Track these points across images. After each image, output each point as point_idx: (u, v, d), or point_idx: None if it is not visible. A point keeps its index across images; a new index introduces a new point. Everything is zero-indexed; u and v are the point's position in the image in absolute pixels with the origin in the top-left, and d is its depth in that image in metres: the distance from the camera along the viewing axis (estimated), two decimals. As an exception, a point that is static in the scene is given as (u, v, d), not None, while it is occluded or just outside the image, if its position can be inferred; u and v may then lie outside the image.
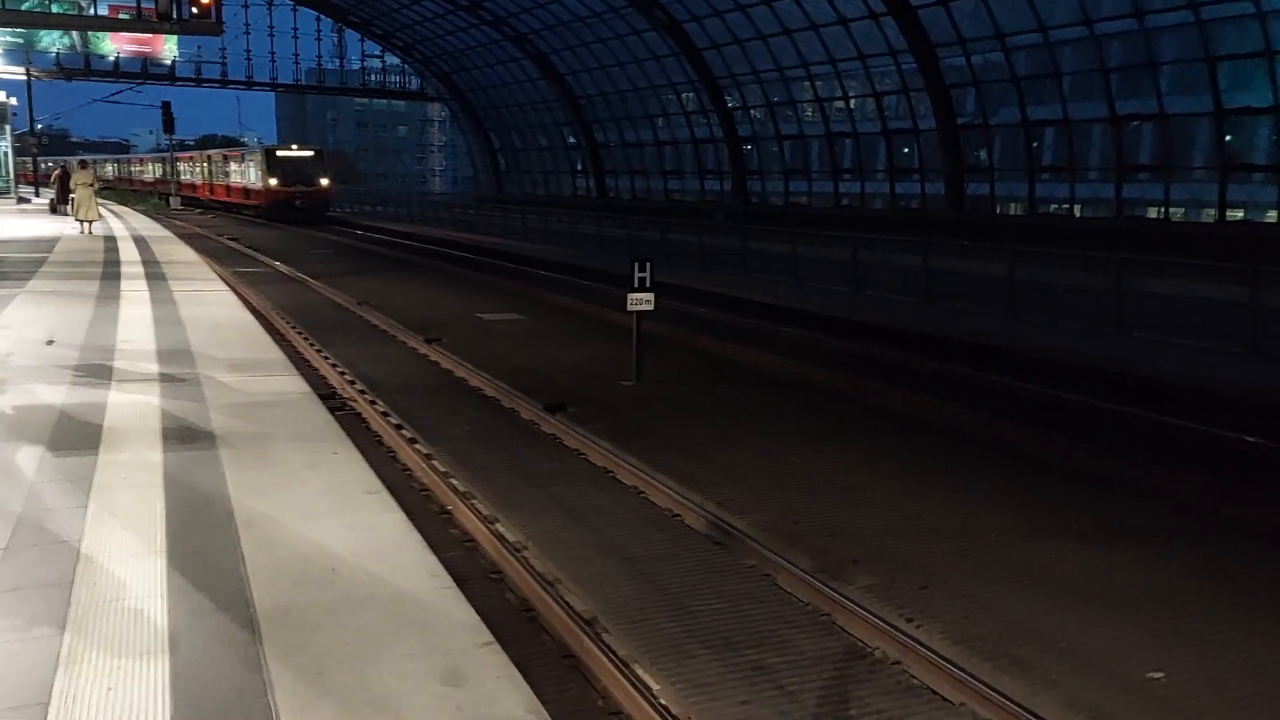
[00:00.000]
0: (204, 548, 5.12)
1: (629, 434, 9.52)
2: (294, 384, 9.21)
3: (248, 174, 48.59)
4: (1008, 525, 7.43)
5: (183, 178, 61.69)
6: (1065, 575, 6.48)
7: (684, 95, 38.56)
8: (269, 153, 47.08)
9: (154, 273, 18.35)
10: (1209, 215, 23.11)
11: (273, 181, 44.92)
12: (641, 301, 11.74)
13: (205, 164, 58.05)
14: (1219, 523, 7.53)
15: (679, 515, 7.60)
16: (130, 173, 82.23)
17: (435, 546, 5.45)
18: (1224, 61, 21.44)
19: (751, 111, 36.24)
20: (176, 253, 23.48)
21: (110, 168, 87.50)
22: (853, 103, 33.07)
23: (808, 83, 32.88)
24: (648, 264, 11.78)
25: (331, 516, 5.63)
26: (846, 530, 7.22)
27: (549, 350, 14.27)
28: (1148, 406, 10.62)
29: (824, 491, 8.15)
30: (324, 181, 46.38)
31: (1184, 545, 7.03)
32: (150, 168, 73.49)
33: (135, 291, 15.33)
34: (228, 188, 52.57)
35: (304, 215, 43.84)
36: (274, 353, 10.87)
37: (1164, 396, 11.04)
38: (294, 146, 50.10)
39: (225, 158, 54.84)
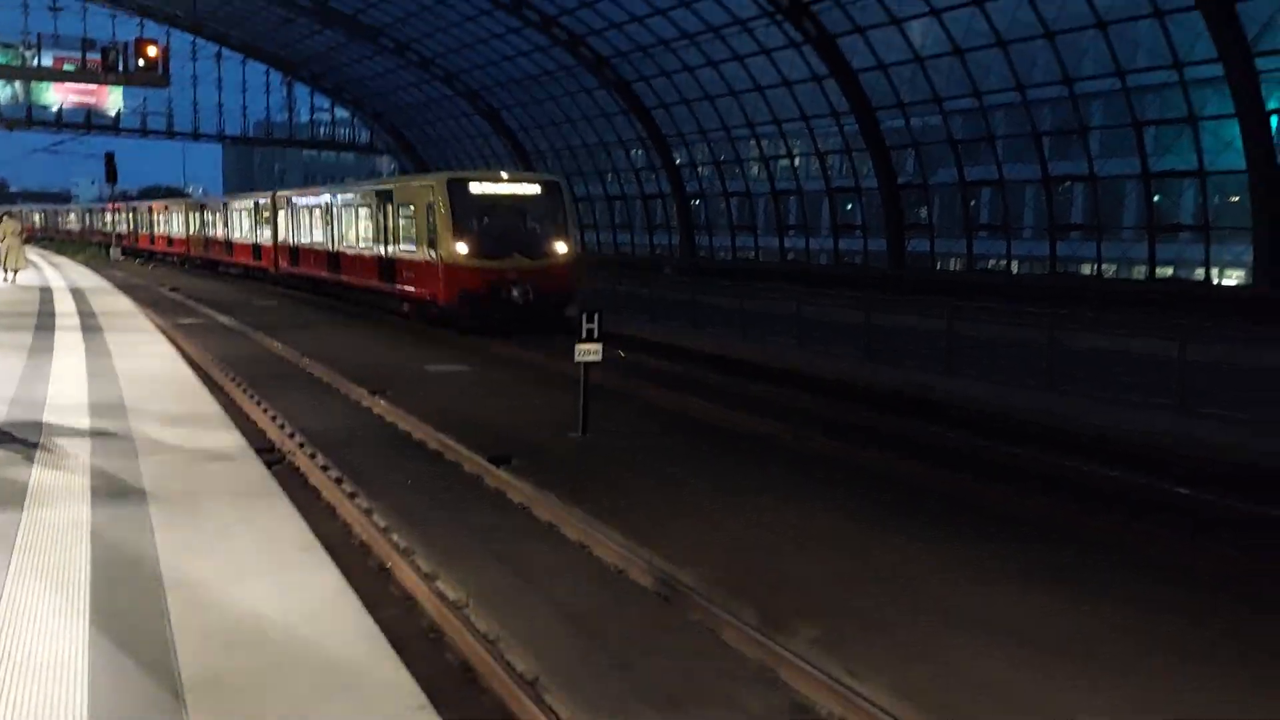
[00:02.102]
0: (129, 609, 4.95)
1: (575, 487, 9.45)
2: (231, 438, 9.02)
3: (396, 233, 24.11)
4: (948, 571, 7.48)
5: (254, 238, 37.18)
6: (1004, 620, 6.52)
7: (633, 152, 39.03)
8: (455, 187, 22.02)
9: (90, 324, 17.97)
10: (1140, 272, 23.83)
11: (462, 249, 21.29)
12: (589, 352, 11.74)
13: (289, 214, 32.90)
14: (1153, 567, 7.64)
15: (624, 570, 7.54)
16: (158, 224, 54.18)
17: (373, 606, 5.33)
18: (1150, 126, 22.28)
19: (699, 169, 36.78)
20: (114, 304, 23.04)
21: (125, 216, 60.91)
22: (797, 161, 33.72)
23: (753, 141, 33.48)
24: (596, 315, 11.81)
25: (264, 576, 5.49)
26: (792, 581, 7.21)
27: (496, 401, 14.18)
28: (1082, 458, 10.83)
29: (770, 541, 8.14)
30: (563, 248, 22.29)
31: (1116, 589, 7.12)
32: (191, 219, 47.05)
33: (70, 344, 14.99)
34: (335, 256, 28.43)
35: (529, 319, 20.95)
36: (211, 406, 10.66)
37: (1098, 449, 11.27)
38: (504, 175, 24.73)
39: (334, 205, 28.84)
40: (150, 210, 56.44)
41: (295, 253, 32.38)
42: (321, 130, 60.00)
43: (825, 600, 6.85)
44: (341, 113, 58.28)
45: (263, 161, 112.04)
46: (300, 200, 32.12)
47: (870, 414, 13.48)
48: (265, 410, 12.98)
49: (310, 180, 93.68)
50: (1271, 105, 19.69)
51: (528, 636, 6.28)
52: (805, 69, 28.30)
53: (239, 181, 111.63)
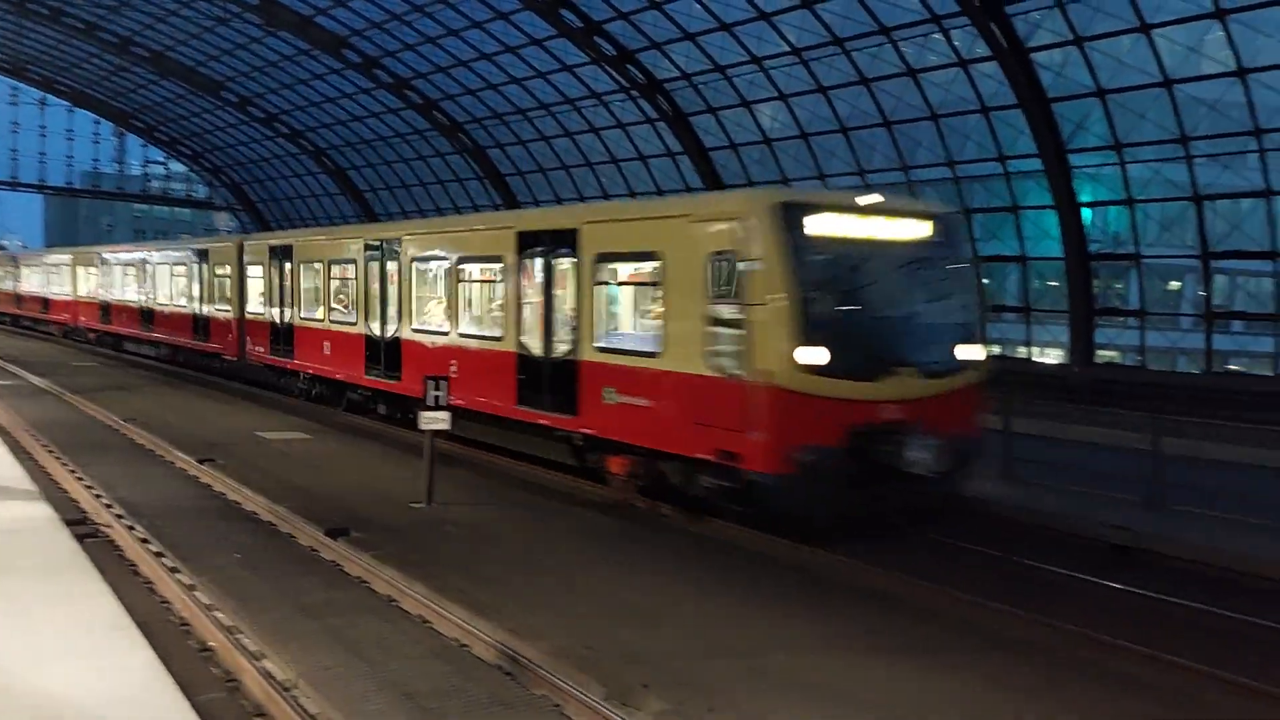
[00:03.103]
0: (-99, 700, 4.39)
1: (417, 559, 9.08)
2: (37, 509, 8.30)
3: (597, 311, 12.20)
4: (795, 641, 7.50)
5: (199, 306, 25.40)
6: (849, 689, 6.56)
7: (485, 218, 38.95)
8: (792, 220, 10.11)
9: (-121, 382, 16.40)
10: (969, 350, 25.15)
11: (814, 358, 9.80)
12: (435, 420, 11.41)
13: (279, 269, 21.12)
14: (990, 637, 7.86)
15: (466, 645, 7.25)
16: (25, 281, 42.12)
17: (191, 689, 4.93)
18: (978, 214, 23.78)
19: (552, 237, 36.97)
20: (-89, 360, 21.14)
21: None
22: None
23: (606, 212, 33.91)
24: (443, 381, 11.53)
25: (70, 659, 4.99)
26: (640, 653, 7.07)
27: (335, 472, 13.59)
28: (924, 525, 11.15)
29: (618, 614, 7.99)
30: (975, 353, 11.13)
31: (959, 659, 7.28)
32: (81, 276, 35.35)
33: None
34: (391, 349, 16.63)
35: (929, 502, 10.63)
36: (16, 472, 9.81)
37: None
38: (874, 201, 10.97)
39: (408, 254, 16.31)
40: (15, 263, 44.85)
41: (287, 334, 20.31)
42: (154, 184, 57.44)
43: (672, 673, 6.74)
44: (177, 166, 56.07)
45: (89, 214, 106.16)
46: (313, 249, 19.82)
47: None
48: (79, 479, 12.04)
49: (140, 234, 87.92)
50: (1084, 198, 21.36)
51: (362, 718, 5.92)
52: (660, 144, 29.00)
53: (62, 236, 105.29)
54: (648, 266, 11.51)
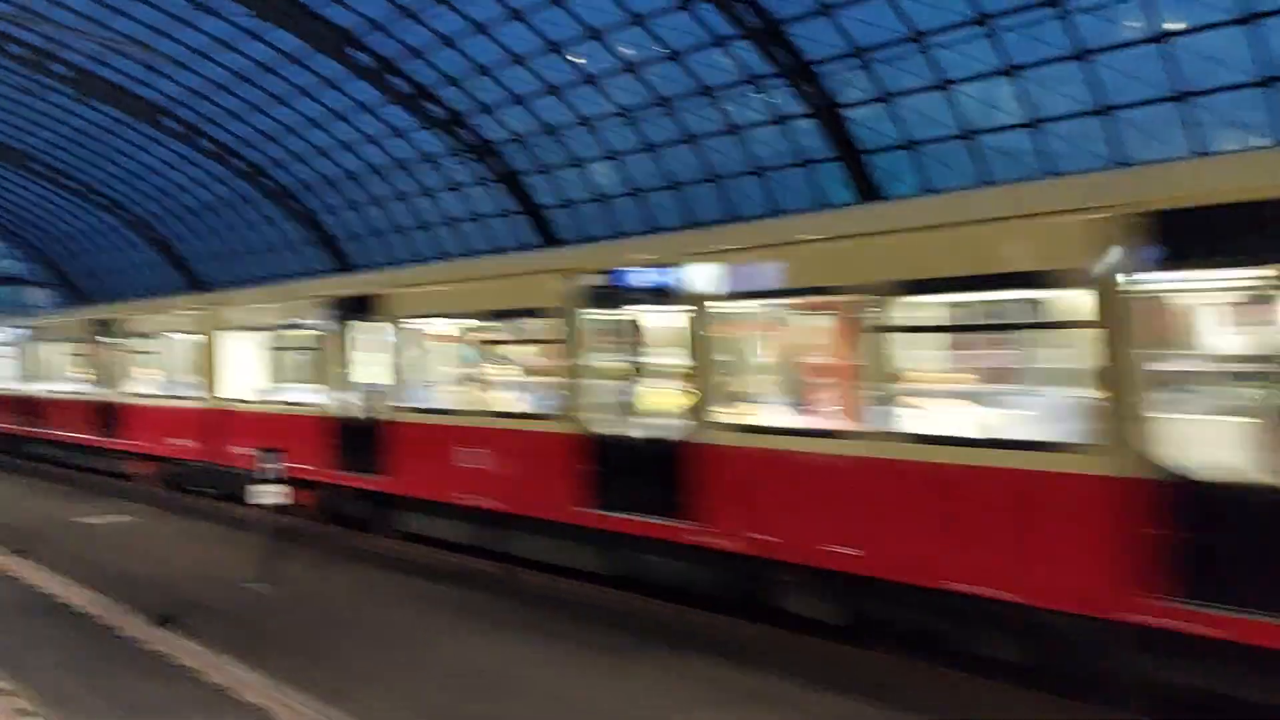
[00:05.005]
0: None
1: (255, 644, 8.66)
2: None
3: None
4: (661, 700, 7.45)
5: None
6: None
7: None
8: None
9: None
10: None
11: None
12: (269, 494, 10.98)
13: None
14: (683, 633, 8.03)
15: (307, 731, 6.94)
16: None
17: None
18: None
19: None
20: None
21: None
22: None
23: (446, 274, 33.66)
24: (275, 454, 11.12)
25: None
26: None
27: (165, 554, 12.84)
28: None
29: (470, 686, 7.80)
30: None
31: (654, 659, 7.41)
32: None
33: None
34: None
35: None
36: None
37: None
38: None
39: None
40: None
41: None
42: None
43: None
44: (-18, 242, 52.30)
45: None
46: None
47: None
48: None
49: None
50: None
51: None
52: (494, 204, 29.08)
53: None
54: None
